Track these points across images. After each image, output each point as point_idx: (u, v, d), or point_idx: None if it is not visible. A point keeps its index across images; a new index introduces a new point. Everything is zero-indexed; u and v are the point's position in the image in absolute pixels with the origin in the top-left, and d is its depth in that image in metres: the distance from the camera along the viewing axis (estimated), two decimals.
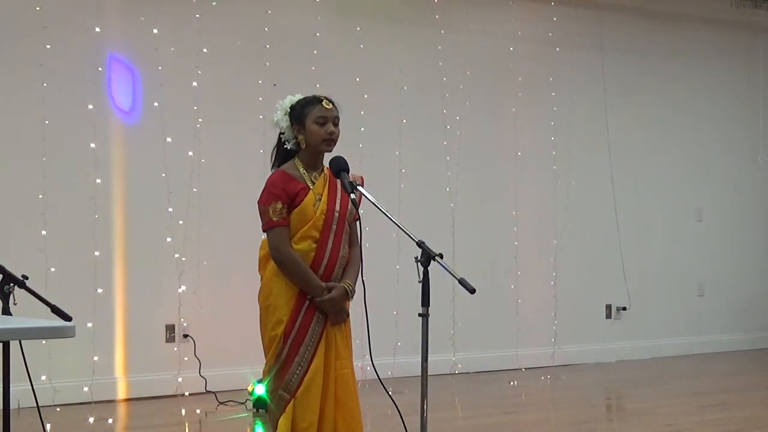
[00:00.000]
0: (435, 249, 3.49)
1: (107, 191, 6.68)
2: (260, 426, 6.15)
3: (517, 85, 8.29)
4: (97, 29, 6.65)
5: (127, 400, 6.71)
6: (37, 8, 6.44)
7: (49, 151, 6.46)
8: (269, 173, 3.89)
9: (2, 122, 6.49)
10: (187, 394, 6.88)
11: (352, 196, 3.74)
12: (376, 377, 4.01)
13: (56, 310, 3.86)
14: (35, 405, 4.10)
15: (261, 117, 6.63)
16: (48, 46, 6.45)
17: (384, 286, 7.12)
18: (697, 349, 9.36)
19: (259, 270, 3.92)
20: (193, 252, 6.93)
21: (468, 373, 7.97)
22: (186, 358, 6.92)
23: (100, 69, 6.69)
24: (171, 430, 6.21)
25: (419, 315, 3.50)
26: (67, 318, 3.79)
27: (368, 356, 3.81)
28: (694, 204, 9.47)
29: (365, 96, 7.53)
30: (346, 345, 3.88)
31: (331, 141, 3.83)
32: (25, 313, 3.52)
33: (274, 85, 6.99)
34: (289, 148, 3.90)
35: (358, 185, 3.81)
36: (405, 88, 7.79)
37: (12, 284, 3.70)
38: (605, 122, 8.74)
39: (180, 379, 6.89)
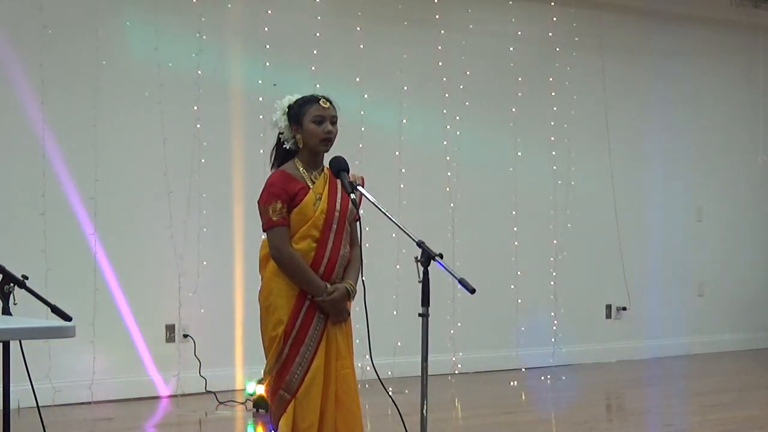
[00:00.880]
0: (435, 249, 3.49)
1: (107, 191, 6.67)
2: (258, 427, 6.15)
3: (517, 85, 8.28)
4: (97, 30, 6.65)
5: (127, 400, 6.71)
6: (39, 7, 6.44)
7: (49, 151, 6.46)
8: (269, 173, 3.89)
9: (2, 122, 6.48)
10: (187, 394, 6.88)
11: (352, 196, 3.74)
12: (376, 377, 4.01)
13: (56, 310, 3.86)
14: (35, 405, 4.11)
15: (261, 117, 6.64)
16: (48, 47, 6.46)
17: (384, 286, 7.13)
18: (697, 349, 9.35)
19: (259, 270, 3.91)
20: (193, 252, 6.93)
21: (468, 373, 7.97)
22: (186, 358, 6.91)
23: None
24: (171, 430, 6.22)
25: (419, 315, 3.50)
26: (67, 318, 3.79)
27: (368, 356, 3.82)
28: (694, 204, 9.47)
29: (365, 96, 7.53)
30: (347, 345, 3.88)
31: (328, 140, 3.82)
32: (25, 313, 3.53)
33: (274, 85, 6.98)
34: (287, 148, 3.90)
35: (359, 185, 3.81)
36: (405, 88, 7.79)
37: (12, 284, 3.71)
38: (605, 122, 8.74)
39: (180, 379, 6.89)
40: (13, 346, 3.67)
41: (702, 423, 6.27)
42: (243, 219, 7.04)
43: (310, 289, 3.76)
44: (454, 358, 7.93)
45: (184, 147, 6.92)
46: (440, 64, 7.94)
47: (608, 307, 8.95)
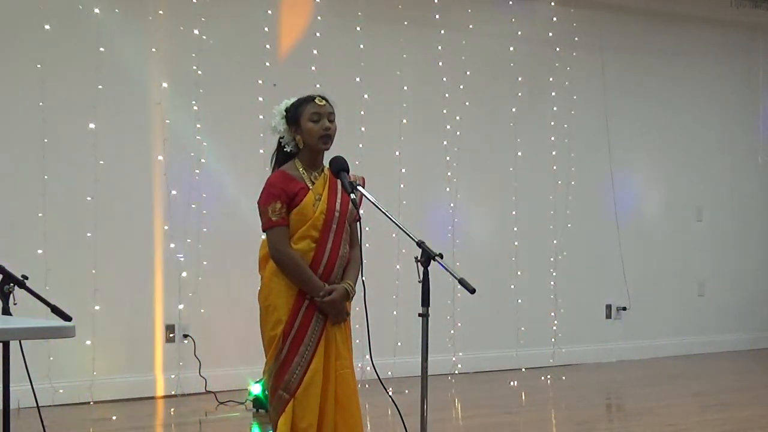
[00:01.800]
0: (435, 249, 3.49)
1: (107, 191, 6.67)
2: (257, 427, 6.15)
3: (517, 85, 8.29)
4: (97, 30, 6.65)
5: (127, 400, 6.71)
6: (40, 7, 6.45)
7: (49, 151, 6.45)
8: (269, 174, 3.89)
9: (2, 122, 6.48)
10: (187, 394, 6.88)
11: (352, 196, 3.74)
12: (376, 377, 4.01)
13: (56, 310, 3.86)
14: (35, 405, 4.11)
15: (261, 117, 6.64)
16: (48, 47, 6.46)
17: (384, 286, 7.13)
18: (697, 349, 9.36)
19: (259, 270, 3.91)
20: (193, 252, 6.93)
21: (468, 373, 7.97)
22: (186, 358, 6.91)
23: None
24: (171, 430, 6.22)
25: (419, 315, 3.50)
26: (67, 318, 3.79)
27: (368, 356, 3.82)
28: (694, 204, 9.47)
29: (365, 96, 7.53)
30: (347, 345, 3.88)
31: (327, 137, 3.83)
32: (25, 313, 3.53)
33: (274, 85, 6.99)
34: (288, 150, 3.90)
35: (359, 185, 3.81)
36: (405, 88, 7.79)
37: (12, 284, 3.71)
38: (605, 122, 8.74)
39: (180, 379, 6.89)
40: (13, 346, 3.67)
41: (702, 423, 6.27)
42: (243, 219, 7.03)
43: (309, 290, 3.76)
44: (454, 358, 7.93)
45: (184, 147, 6.92)
46: (440, 64, 7.94)
47: (608, 307, 8.95)
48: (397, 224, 3.64)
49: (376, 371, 3.97)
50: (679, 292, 9.32)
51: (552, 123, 8.51)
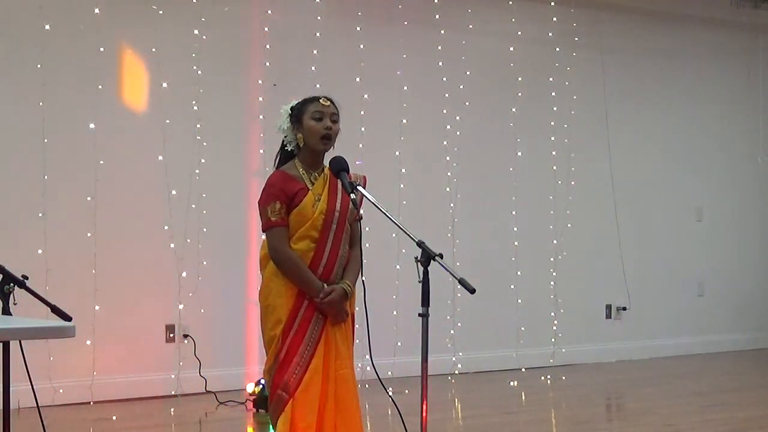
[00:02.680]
0: (435, 249, 3.49)
1: (107, 191, 6.67)
2: (257, 428, 6.16)
3: (517, 85, 8.29)
4: (98, 30, 6.65)
5: (127, 400, 6.71)
6: (40, 7, 6.45)
7: (49, 151, 6.46)
8: (270, 174, 3.90)
9: (2, 122, 6.49)
10: (187, 394, 6.88)
11: (352, 196, 3.74)
12: (376, 377, 4.01)
13: (56, 310, 3.86)
14: (35, 405, 4.10)
15: (261, 117, 6.65)
16: (48, 47, 6.46)
17: (384, 286, 7.13)
18: (697, 349, 9.35)
19: (260, 270, 3.92)
20: (193, 252, 6.93)
21: (468, 373, 7.97)
22: (186, 358, 6.91)
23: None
24: (171, 430, 6.22)
25: (419, 315, 3.50)
26: (67, 318, 3.79)
27: (368, 356, 3.82)
28: (694, 204, 9.47)
29: (365, 96, 7.53)
30: (346, 345, 3.88)
31: (327, 137, 3.83)
32: (25, 313, 3.53)
33: (274, 85, 6.99)
34: (290, 149, 3.90)
35: (359, 185, 3.81)
36: (405, 88, 7.79)
37: (12, 284, 3.70)
38: (605, 122, 8.74)
39: (180, 379, 6.89)
40: (13, 346, 3.67)
41: (702, 423, 6.27)
42: (243, 219, 7.04)
43: (308, 290, 3.76)
44: (454, 358, 7.93)
45: (184, 147, 6.92)
46: (440, 64, 7.94)
47: (608, 307, 8.95)
48: (397, 224, 3.64)
49: (376, 371, 3.96)
50: (678, 292, 9.32)
51: (552, 123, 8.51)
